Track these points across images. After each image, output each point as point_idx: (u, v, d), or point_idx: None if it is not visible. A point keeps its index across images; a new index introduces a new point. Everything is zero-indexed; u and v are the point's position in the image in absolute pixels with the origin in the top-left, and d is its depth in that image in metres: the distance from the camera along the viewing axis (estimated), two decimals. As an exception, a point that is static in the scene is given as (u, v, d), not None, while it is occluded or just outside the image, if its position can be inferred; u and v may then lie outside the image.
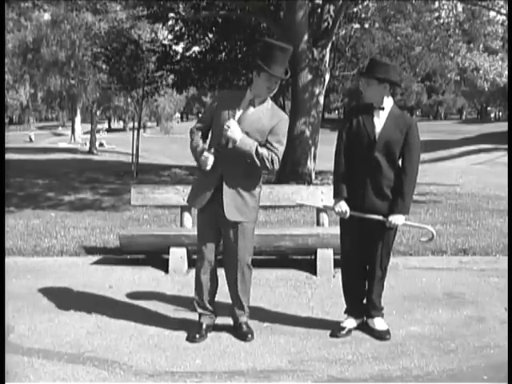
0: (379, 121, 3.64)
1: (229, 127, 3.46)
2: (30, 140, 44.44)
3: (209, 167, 3.55)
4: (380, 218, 3.64)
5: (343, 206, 3.68)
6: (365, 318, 3.92)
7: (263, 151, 3.54)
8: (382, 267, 3.80)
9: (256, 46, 15.24)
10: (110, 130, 57.48)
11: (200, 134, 3.71)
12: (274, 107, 3.67)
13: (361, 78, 3.76)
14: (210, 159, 3.55)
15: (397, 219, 3.63)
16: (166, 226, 7.69)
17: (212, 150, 3.58)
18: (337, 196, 3.71)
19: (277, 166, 3.62)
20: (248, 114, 3.57)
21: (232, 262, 3.71)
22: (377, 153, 3.60)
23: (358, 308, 3.91)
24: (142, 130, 26.71)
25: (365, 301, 3.92)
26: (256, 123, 3.55)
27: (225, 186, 3.58)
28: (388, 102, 3.66)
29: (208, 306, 3.83)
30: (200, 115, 3.81)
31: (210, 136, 3.72)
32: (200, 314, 3.85)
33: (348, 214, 3.67)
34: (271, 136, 3.58)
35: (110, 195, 11.82)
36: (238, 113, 3.57)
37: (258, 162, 3.53)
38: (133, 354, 3.53)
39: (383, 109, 3.64)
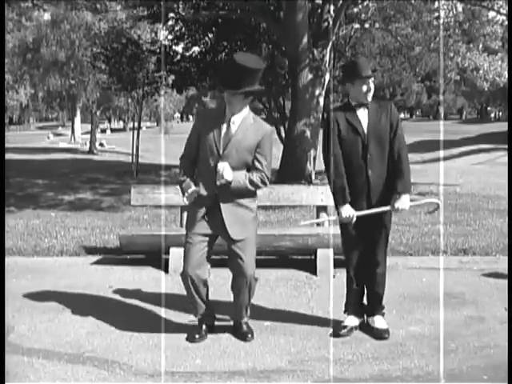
0: (363, 114, 3.70)
1: (220, 170, 3.47)
2: (48, 139, 45.25)
3: (187, 202, 3.59)
4: (386, 208, 3.65)
5: (349, 210, 3.66)
6: (365, 317, 3.93)
7: (253, 178, 3.59)
8: (382, 263, 3.81)
9: (256, 47, 15.25)
10: (104, 130, 57.35)
11: (189, 164, 3.70)
12: (257, 120, 3.67)
13: (358, 80, 3.66)
14: (191, 197, 3.58)
15: (403, 203, 3.64)
16: (166, 226, 7.69)
17: (198, 188, 3.60)
18: (341, 203, 3.68)
19: (267, 183, 3.68)
20: (233, 133, 3.56)
21: (239, 277, 3.67)
22: (370, 146, 3.65)
23: (359, 307, 3.92)
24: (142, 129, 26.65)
25: (365, 299, 3.93)
26: (243, 142, 3.56)
27: (222, 206, 3.58)
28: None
29: (204, 308, 3.80)
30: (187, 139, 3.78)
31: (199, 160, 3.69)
32: (199, 315, 3.83)
33: (355, 218, 3.66)
34: (258, 154, 3.60)
35: (109, 195, 11.83)
36: (223, 133, 3.56)
37: (252, 189, 3.62)
38: (133, 354, 3.53)
39: (367, 104, 3.69)
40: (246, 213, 3.64)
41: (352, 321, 3.88)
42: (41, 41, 26.47)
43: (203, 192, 3.60)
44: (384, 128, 3.67)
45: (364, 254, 3.80)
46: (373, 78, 3.72)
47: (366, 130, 3.67)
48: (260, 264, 5.15)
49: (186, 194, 3.59)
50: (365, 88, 3.66)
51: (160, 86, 17.32)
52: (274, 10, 13.12)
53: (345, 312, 3.94)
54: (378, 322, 3.84)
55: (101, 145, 34.35)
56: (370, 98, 3.71)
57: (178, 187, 3.76)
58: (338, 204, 3.70)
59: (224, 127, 3.58)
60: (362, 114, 3.71)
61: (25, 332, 3.88)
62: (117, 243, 6.00)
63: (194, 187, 3.61)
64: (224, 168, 3.49)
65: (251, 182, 3.59)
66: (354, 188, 3.68)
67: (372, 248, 3.78)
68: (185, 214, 5.65)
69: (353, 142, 3.66)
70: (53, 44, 26.31)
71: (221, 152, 3.55)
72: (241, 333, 3.78)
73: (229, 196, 3.58)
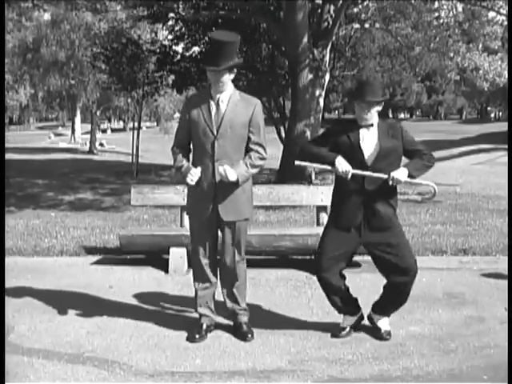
0: (368, 133, 3.58)
1: (223, 174, 3.48)
2: (50, 139, 45.37)
3: (192, 183, 3.56)
4: (384, 175, 3.51)
5: (345, 165, 3.50)
6: (370, 312, 3.88)
7: (253, 161, 3.61)
8: (412, 271, 3.64)
9: (256, 47, 15.24)
10: (105, 130, 57.39)
11: (182, 151, 3.70)
12: (244, 96, 3.69)
13: (360, 102, 3.55)
14: (196, 176, 3.56)
15: (399, 174, 3.49)
16: (166, 226, 7.69)
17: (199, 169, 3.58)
18: (334, 157, 3.51)
19: (266, 156, 3.70)
20: (223, 112, 3.58)
21: (227, 259, 3.73)
22: (372, 164, 3.53)
23: (351, 305, 3.87)
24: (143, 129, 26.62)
25: (381, 293, 3.82)
26: (236, 119, 3.58)
27: (217, 188, 3.60)
28: (376, 117, 3.63)
29: (209, 305, 3.83)
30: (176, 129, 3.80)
31: (192, 148, 3.72)
32: (200, 315, 3.85)
33: (350, 174, 3.51)
34: (252, 128, 3.62)
35: (110, 195, 11.83)
36: (213, 113, 3.58)
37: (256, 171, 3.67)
38: (133, 354, 3.53)
39: (372, 125, 3.59)
40: (238, 192, 3.63)
41: (348, 321, 3.86)
42: (41, 41, 26.44)
43: (203, 177, 3.59)
44: (392, 150, 3.56)
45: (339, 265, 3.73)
46: (377, 104, 3.55)
47: (366, 149, 3.55)
48: (260, 264, 5.16)
49: (190, 176, 3.56)
50: (364, 113, 3.54)
51: (160, 86, 17.32)
52: (274, 10, 13.11)
53: (340, 313, 3.92)
54: (383, 322, 3.82)
55: (101, 145, 34.33)
56: (368, 122, 3.57)
57: (175, 170, 3.75)
58: (330, 160, 3.53)
59: (213, 107, 3.59)
60: (367, 133, 3.58)
61: (25, 332, 3.88)
62: (117, 243, 6.00)
63: (194, 169, 3.59)
64: (225, 170, 3.49)
65: (253, 166, 3.62)
66: (349, 203, 3.60)
67: (394, 262, 3.62)
68: (185, 214, 5.67)
69: (352, 159, 3.53)
70: (53, 44, 26.28)
71: (215, 132, 3.56)
72: (241, 333, 3.78)
73: (227, 183, 3.58)
